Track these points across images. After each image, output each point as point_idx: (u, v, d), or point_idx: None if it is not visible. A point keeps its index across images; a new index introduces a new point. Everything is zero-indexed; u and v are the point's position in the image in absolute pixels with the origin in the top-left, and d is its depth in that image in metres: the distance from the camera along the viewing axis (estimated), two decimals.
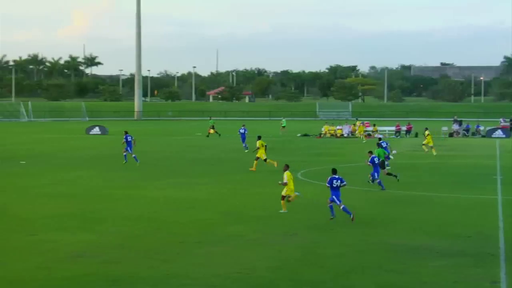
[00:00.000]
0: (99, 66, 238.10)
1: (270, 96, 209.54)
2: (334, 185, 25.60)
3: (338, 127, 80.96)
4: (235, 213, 27.33)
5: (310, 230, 24.08)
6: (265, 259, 19.81)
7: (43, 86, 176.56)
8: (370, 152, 34.79)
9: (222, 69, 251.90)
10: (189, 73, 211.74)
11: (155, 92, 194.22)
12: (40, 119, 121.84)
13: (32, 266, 18.85)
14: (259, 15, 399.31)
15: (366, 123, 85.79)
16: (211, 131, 75.26)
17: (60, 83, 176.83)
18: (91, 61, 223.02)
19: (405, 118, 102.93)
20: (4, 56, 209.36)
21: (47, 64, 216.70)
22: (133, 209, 28.24)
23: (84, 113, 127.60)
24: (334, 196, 25.53)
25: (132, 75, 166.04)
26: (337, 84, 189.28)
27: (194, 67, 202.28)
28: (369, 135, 77.48)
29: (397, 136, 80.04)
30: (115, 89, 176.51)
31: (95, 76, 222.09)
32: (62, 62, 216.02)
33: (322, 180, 36.58)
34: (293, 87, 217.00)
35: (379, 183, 34.21)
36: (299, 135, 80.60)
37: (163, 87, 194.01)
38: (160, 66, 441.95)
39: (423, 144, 56.47)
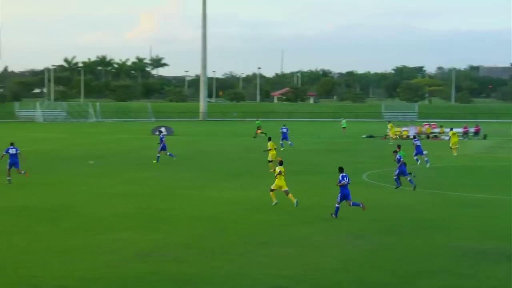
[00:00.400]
0: (165, 67, 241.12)
1: (335, 97, 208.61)
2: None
3: (404, 128, 79.94)
4: (301, 214, 27.25)
5: (377, 232, 23.86)
6: (330, 261, 19.71)
7: (111, 87, 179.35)
8: (395, 152, 35.52)
9: (287, 70, 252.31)
10: (254, 74, 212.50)
11: (220, 93, 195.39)
12: (107, 120, 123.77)
13: (100, 264, 19.14)
14: (324, 16, 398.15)
15: (433, 124, 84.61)
16: (258, 131, 76.26)
17: (127, 84, 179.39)
18: (157, 63, 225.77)
19: (473, 120, 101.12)
20: (74, 57, 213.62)
21: (115, 65, 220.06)
22: (199, 209, 28.44)
23: (150, 113, 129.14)
24: (341, 195, 26.35)
25: (198, 76, 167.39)
26: (403, 85, 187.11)
27: (259, 68, 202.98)
28: (435, 136, 76.48)
29: (464, 138, 78.63)
30: (180, 90, 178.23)
31: (161, 77, 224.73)
32: (129, 63, 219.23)
33: (388, 182, 36.28)
34: (358, 88, 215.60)
35: (396, 180, 34.51)
36: (364, 136, 79.97)
37: (228, 88, 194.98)
38: (225, 67, 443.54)
39: (451, 147, 54.48)
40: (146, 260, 19.64)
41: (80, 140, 71.87)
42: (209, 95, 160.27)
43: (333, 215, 26.23)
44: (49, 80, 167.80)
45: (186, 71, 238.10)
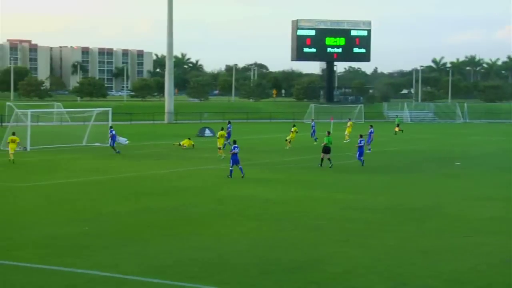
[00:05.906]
0: None
1: None
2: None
3: None
4: None
5: None
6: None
7: (479, 88, 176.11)
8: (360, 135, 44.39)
9: None
10: None
11: None
12: (475, 121, 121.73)
13: (467, 267, 18.93)
14: None
15: None
16: (397, 129, 79.71)
17: (496, 84, 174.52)
18: None
19: None
20: (442, 58, 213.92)
21: (484, 65, 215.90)
22: None
23: None
24: (232, 160, 36.00)
25: None
26: None
27: None
28: None
29: None
30: None
31: None
32: (499, 63, 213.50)
33: None
34: None
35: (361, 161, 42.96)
36: None
37: None
38: None
39: None
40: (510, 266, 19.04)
41: (447, 140, 71.65)
42: None
43: (228, 176, 35.93)
44: (416, 81, 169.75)
45: None
